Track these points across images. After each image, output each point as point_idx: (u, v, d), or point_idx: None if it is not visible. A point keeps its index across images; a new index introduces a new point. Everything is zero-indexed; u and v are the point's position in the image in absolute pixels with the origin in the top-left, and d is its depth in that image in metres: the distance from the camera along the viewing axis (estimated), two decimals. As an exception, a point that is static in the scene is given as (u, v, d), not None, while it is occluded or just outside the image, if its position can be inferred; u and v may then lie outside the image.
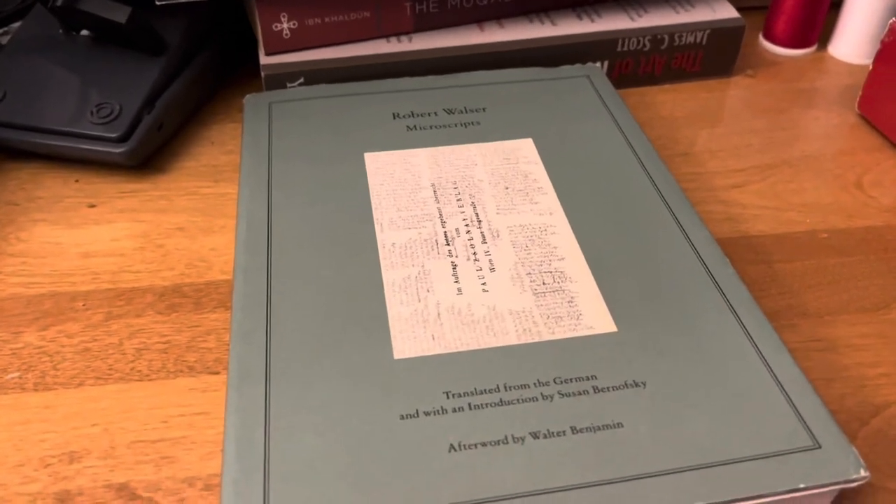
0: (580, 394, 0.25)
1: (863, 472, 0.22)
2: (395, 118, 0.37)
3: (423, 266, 0.29)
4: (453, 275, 0.29)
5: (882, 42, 0.39)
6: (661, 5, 0.45)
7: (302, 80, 0.40)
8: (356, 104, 0.38)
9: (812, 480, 0.22)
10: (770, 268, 0.33)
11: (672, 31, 0.43)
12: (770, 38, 0.48)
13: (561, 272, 0.29)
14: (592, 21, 0.43)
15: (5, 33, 0.47)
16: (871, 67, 0.41)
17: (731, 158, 0.39)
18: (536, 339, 0.26)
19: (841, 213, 0.36)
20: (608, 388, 0.25)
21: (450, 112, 0.37)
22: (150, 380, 0.28)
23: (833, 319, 0.31)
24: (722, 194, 0.37)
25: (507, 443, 0.23)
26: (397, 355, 0.26)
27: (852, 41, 0.46)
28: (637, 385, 0.25)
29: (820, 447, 0.23)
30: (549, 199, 0.32)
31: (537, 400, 0.24)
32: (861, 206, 0.36)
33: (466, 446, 0.23)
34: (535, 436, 0.23)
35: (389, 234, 0.31)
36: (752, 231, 0.35)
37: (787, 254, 0.34)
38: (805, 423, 0.24)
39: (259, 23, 0.39)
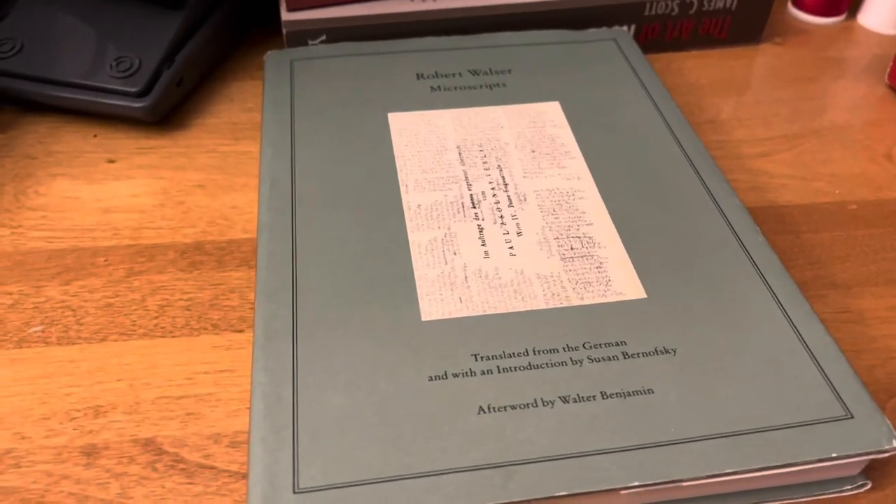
0: (610, 359, 0.24)
1: (895, 443, 0.22)
2: (419, 78, 0.36)
3: (449, 228, 0.29)
4: (480, 238, 0.28)
5: (917, 10, 0.39)
6: (690, -31, 0.43)
7: (324, 37, 0.39)
8: (379, 63, 0.37)
9: (844, 450, 0.22)
10: (798, 238, 0.33)
11: (701, -5, 0.42)
12: (799, 5, 0.47)
13: (589, 237, 0.29)
14: (620, -17, 0.42)
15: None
16: (903, 37, 0.40)
17: (759, 127, 0.39)
18: (565, 304, 0.26)
19: (870, 184, 0.35)
20: (638, 354, 0.25)
21: (475, 73, 0.37)
22: (173, 336, 0.28)
23: (861, 291, 0.30)
24: (749, 163, 0.36)
25: (537, 406, 0.23)
26: (425, 317, 0.26)
27: (882, 11, 0.45)
28: (667, 352, 0.25)
29: (852, 417, 0.23)
30: (576, 163, 0.32)
31: (566, 364, 0.24)
32: (891, 178, 0.36)
33: (495, 409, 0.23)
34: (564, 400, 0.23)
35: (415, 195, 0.30)
36: (779, 201, 0.34)
37: (815, 224, 0.33)
38: (837, 392, 0.23)
39: (281, -22, 0.38)
